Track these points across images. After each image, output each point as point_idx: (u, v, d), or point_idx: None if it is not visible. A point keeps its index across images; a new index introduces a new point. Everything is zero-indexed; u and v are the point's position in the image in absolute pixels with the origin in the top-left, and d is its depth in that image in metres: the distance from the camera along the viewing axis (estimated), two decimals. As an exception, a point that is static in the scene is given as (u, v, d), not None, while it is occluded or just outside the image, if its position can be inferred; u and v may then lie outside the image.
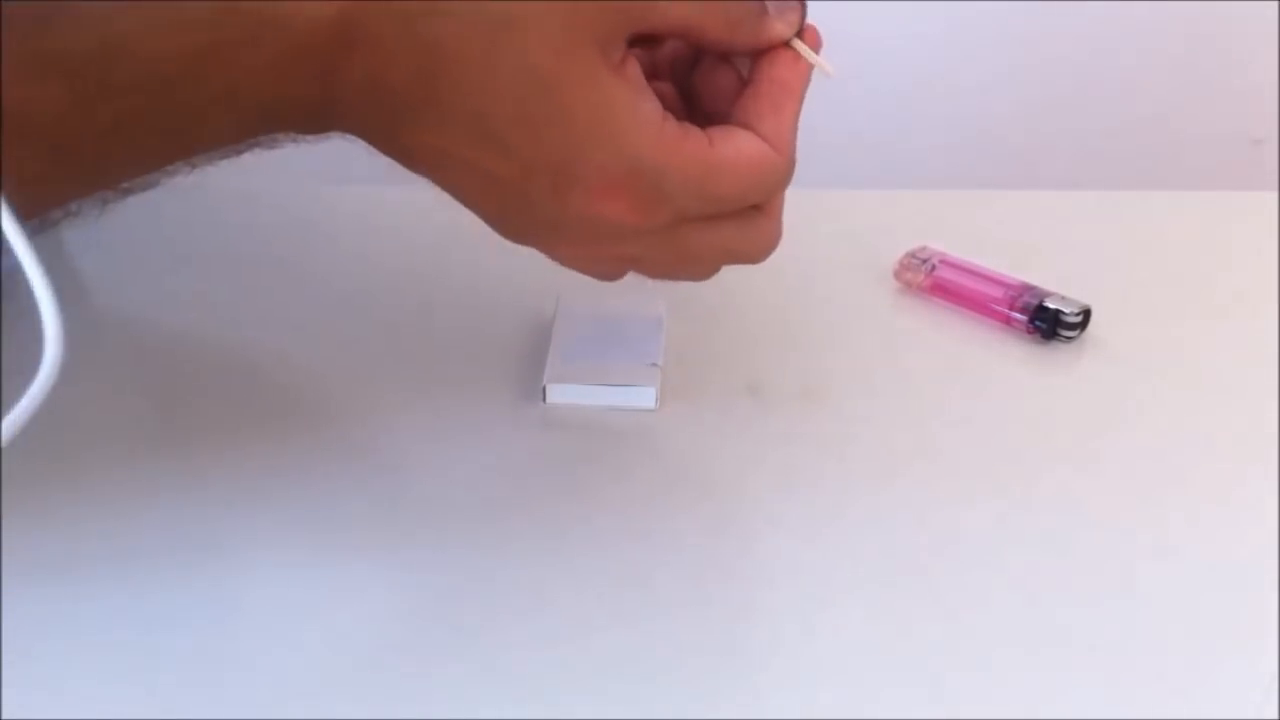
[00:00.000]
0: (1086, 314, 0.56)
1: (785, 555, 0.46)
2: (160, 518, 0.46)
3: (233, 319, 0.57)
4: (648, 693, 0.41)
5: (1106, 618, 0.43)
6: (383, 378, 0.54)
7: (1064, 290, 0.57)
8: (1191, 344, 0.57)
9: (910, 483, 0.49)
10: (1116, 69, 1.03)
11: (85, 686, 0.41)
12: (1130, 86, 1.04)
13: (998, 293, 0.57)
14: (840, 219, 0.63)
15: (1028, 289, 0.57)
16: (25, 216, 0.35)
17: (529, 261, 0.46)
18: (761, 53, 0.44)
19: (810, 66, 0.44)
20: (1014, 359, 0.56)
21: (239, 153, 0.44)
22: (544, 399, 0.52)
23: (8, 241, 0.35)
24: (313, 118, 0.41)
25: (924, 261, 0.59)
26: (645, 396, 0.52)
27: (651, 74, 0.43)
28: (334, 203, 0.65)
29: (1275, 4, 1.00)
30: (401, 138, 0.41)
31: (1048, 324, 0.56)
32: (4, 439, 0.35)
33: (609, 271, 0.46)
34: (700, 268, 0.46)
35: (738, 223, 0.44)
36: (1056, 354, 0.56)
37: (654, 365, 0.53)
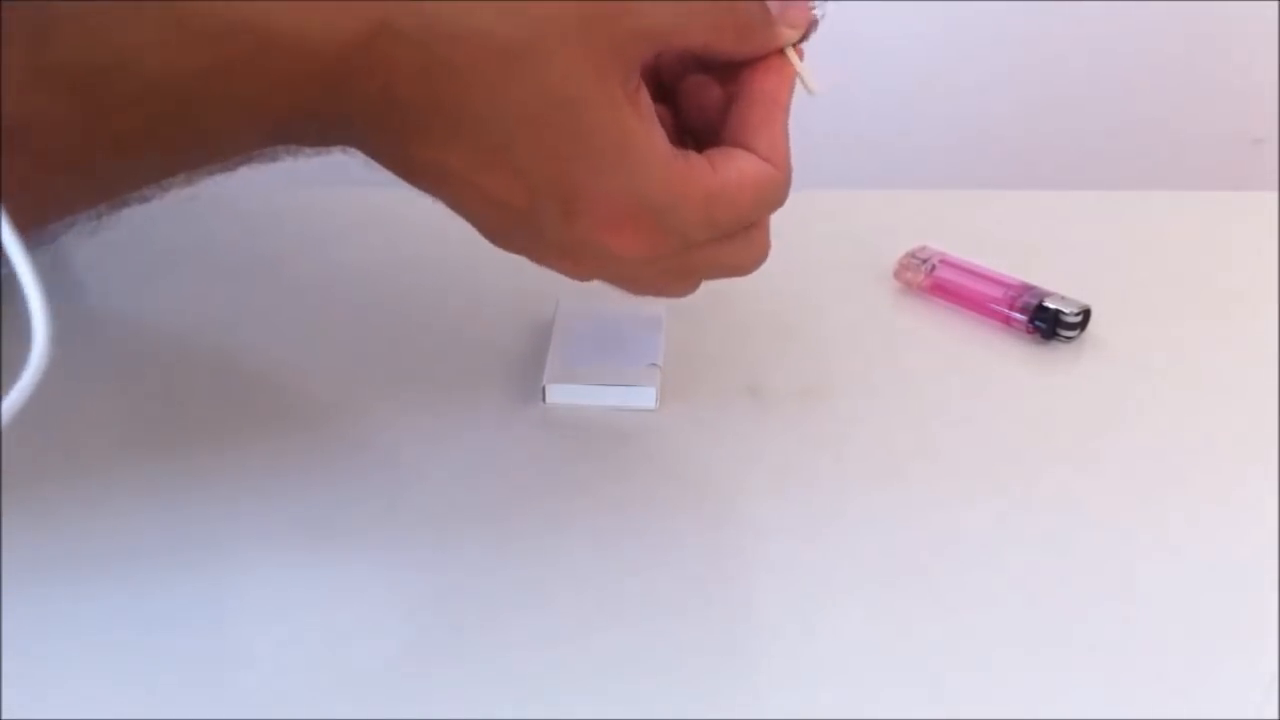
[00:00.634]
0: (1086, 314, 0.56)
1: (785, 555, 0.46)
2: (160, 518, 0.46)
3: (232, 319, 0.57)
4: (648, 693, 0.41)
5: (1106, 618, 0.43)
6: (382, 378, 0.54)
7: (1064, 290, 0.57)
8: (1191, 344, 0.57)
9: (910, 483, 0.49)
10: (1116, 69, 1.03)
11: (85, 686, 0.41)
12: (1130, 86, 1.04)
13: (997, 293, 0.57)
14: (840, 219, 0.64)
15: (1027, 289, 0.57)
16: (25, 227, 0.34)
17: (529, 262, 0.46)
18: (751, 63, 0.44)
19: (794, 71, 0.44)
20: (1014, 359, 0.56)
21: (234, 167, 0.43)
22: (544, 399, 0.52)
23: (5, 246, 0.34)
24: (322, 135, 0.41)
25: (924, 261, 0.59)
26: (645, 396, 0.52)
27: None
28: (333, 203, 0.65)
29: (1275, 4, 0.99)
30: (409, 153, 0.40)
31: (1048, 324, 0.56)
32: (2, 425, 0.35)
33: (602, 281, 0.46)
34: (692, 284, 0.46)
35: (736, 241, 0.44)
36: (1056, 354, 0.56)
37: (654, 365, 0.53)
